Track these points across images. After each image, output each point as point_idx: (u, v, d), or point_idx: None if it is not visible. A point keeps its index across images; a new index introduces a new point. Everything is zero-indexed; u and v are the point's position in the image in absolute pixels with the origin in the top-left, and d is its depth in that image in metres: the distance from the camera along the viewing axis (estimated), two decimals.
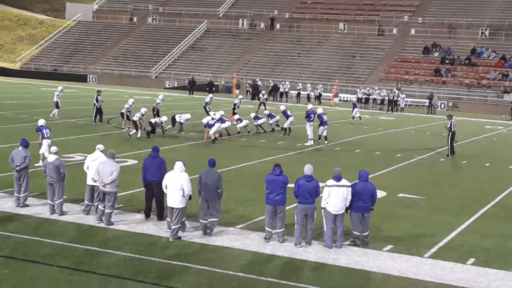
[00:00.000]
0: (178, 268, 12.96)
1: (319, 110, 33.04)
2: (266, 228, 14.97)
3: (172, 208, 14.76)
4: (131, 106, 32.86)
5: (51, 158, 16.19)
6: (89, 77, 74.77)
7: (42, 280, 11.97)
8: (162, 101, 36.95)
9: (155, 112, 34.85)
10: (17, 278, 11.97)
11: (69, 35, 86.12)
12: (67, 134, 30.13)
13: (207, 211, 15.19)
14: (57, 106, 36.40)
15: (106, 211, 15.58)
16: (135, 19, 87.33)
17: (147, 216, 16.26)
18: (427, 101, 58.04)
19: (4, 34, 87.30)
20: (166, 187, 14.95)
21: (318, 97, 59.94)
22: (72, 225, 15.46)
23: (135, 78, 74.48)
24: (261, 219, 16.25)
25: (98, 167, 15.64)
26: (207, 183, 15.04)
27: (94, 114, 35.19)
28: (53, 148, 16.42)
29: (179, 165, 14.97)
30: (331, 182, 14.77)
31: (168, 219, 15.24)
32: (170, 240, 14.65)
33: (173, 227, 14.76)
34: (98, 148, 16.56)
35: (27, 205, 16.76)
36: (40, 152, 21.67)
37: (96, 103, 35.15)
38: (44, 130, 22.14)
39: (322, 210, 14.78)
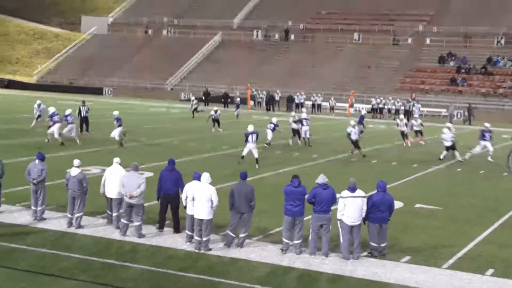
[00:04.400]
0: (195, 281, 12.94)
1: (303, 115, 34.66)
2: (284, 239, 14.95)
3: (201, 220, 14.72)
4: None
5: (74, 171, 16.25)
6: (105, 90, 75.20)
7: None
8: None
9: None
10: None
11: (84, 48, 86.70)
12: (83, 147, 30.24)
13: (238, 224, 15.20)
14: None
15: (136, 223, 15.64)
16: (150, 31, 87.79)
17: (161, 228, 16.28)
18: (466, 112, 57.13)
19: (21, 48, 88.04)
20: (193, 199, 14.85)
21: (332, 108, 60.10)
22: (90, 239, 15.49)
23: (151, 90, 74.81)
24: (277, 231, 16.24)
25: (123, 180, 15.67)
26: (240, 197, 15.03)
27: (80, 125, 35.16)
28: (76, 162, 16.48)
29: (206, 176, 14.97)
30: (346, 193, 14.73)
31: (187, 231, 15.25)
32: (202, 252, 14.66)
33: (204, 239, 14.75)
34: (115, 162, 16.61)
35: (44, 219, 16.83)
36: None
37: (81, 114, 35.38)
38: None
39: (338, 221, 14.73)
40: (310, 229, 14.84)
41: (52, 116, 30.43)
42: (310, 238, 14.83)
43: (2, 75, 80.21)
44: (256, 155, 26.76)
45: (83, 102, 37.07)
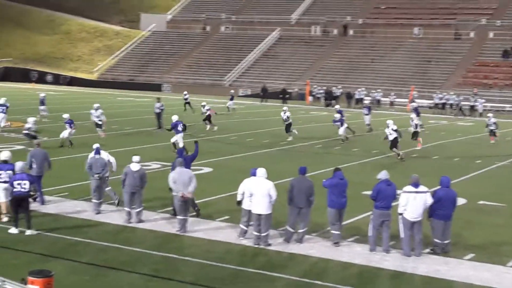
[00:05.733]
0: (254, 276, 12.92)
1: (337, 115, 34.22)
2: (334, 232, 15.00)
3: (260, 214, 14.68)
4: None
5: (135, 167, 16.40)
6: (164, 86, 75.96)
7: (121, 286, 12.12)
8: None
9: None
10: (97, 285, 12.17)
11: (144, 45, 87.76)
12: (144, 142, 30.57)
13: (296, 219, 15.12)
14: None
15: (185, 218, 15.76)
16: (208, 28, 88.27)
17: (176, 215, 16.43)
18: None
19: (82, 46, 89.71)
20: (250, 195, 14.78)
21: (392, 103, 59.43)
22: (150, 233, 15.64)
23: (209, 86, 75.23)
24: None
25: (173, 176, 15.73)
26: (300, 191, 14.96)
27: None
28: (136, 158, 16.65)
29: (263, 171, 14.94)
30: (409, 188, 14.47)
31: (242, 226, 15.23)
32: (261, 246, 14.65)
33: (263, 234, 14.72)
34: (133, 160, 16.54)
35: (101, 212, 17.11)
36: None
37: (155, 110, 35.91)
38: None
39: (400, 217, 14.48)
40: (371, 225, 14.65)
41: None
42: (370, 234, 14.65)
43: (64, 72, 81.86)
44: (181, 144, 26.63)
45: (158, 99, 37.36)
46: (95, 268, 12.98)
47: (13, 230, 15.09)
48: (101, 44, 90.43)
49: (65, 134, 28.05)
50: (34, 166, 17.74)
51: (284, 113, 34.11)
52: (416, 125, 31.97)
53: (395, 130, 28.34)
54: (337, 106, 39.57)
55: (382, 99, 60.94)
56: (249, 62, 78.21)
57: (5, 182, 15.79)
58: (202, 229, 15.97)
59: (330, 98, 61.65)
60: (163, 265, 13.34)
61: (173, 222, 16.06)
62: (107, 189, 17.97)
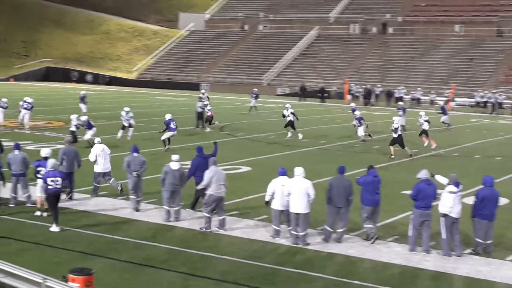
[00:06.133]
0: (293, 275, 12.86)
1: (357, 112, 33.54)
2: (368, 225, 14.96)
3: (298, 214, 14.60)
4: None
5: (175, 165, 16.48)
6: (202, 86, 76.24)
7: (160, 284, 12.17)
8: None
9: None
10: (137, 283, 12.24)
11: (182, 44, 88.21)
12: (185, 141, 30.66)
13: (335, 219, 15.04)
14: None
15: (220, 217, 15.78)
16: (246, 27, 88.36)
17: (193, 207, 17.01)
18: None
19: (121, 46, 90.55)
20: (288, 194, 14.63)
21: (432, 101, 58.72)
22: (188, 231, 15.68)
23: (247, 85, 75.25)
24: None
25: (212, 176, 15.68)
26: (339, 191, 14.89)
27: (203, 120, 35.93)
28: (176, 157, 16.71)
29: (300, 170, 14.86)
30: (453, 188, 14.25)
31: (274, 226, 15.18)
32: (299, 246, 14.59)
33: (301, 234, 14.66)
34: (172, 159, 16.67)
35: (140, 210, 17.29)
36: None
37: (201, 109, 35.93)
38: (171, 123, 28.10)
39: (443, 217, 14.25)
40: (411, 225, 14.49)
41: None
42: (410, 234, 14.49)
43: (103, 72, 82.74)
44: (163, 138, 28.20)
45: (200, 97, 37.43)
46: (135, 266, 13.06)
47: (54, 228, 15.28)
48: (140, 44, 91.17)
49: (88, 135, 28.00)
50: (64, 163, 18.01)
51: (287, 110, 33.95)
52: (425, 122, 31.55)
53: (396, 129, 28.04)
54: (357, 113, 35.10)
55: (422, 97, 60.31)
56: (287, 61, 78.07)
57: None
58: (240, 227, 15.97)
59: (368, 96, 61.19)
60: (201, 264, 13.36)
61: (212, 221, 16.03)
62: (110, 180, 18.71)
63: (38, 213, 16.61)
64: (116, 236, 15.02)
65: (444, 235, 14.24)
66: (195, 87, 75.17)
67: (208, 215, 15.66)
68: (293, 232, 14.75)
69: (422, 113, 31.92)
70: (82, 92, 40.71)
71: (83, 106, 39.52)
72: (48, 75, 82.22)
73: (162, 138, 28.48)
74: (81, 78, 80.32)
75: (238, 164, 24.63)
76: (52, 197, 15.42)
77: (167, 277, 12.50)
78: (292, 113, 33.65)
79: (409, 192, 15.22)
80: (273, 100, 61.62)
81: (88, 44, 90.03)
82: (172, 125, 28.74)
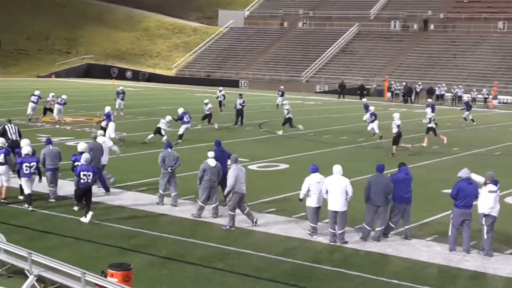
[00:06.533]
0: (330, 273, 12.79)
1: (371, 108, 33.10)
2: (392, 223, 14.96)
3: (336, 212, 14.53)
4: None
5: (213, 162, 16.52)
6: (241, 82, 76.35)
7: (198, 281, 12.21)
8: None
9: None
10: (175, 279, 12.28)
11: (221, 41, 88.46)
12: (221, 138, 30.66)
13: (374, 218, 14.95)
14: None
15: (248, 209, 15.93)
16: (285, 24, 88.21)
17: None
18: None
19: (161, 42, 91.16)
20: (326, 192, 14.61)
21: (474, 99, 57.81)
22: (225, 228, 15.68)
23: (286, 82, 75.11)
24: (413, 225, 15.76)
25: (237, 175, 15.60)
26: (377, 190, 14.79)
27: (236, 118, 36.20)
28: (212, 153, 16.76)
29: (338, 168, 14.79)
30: (492, 187, 14.02)
31: (311, 223, 15.11)
32: (337, 244, 14.52)
33: (339, 232, 14.60)
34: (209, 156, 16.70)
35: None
36: None
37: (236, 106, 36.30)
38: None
39: (485, 217, 14.02)
40: (451, 224, 14.29)
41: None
42: (450, 233, 14.29)
43: (143, 68, 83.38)
44: (181, 132, 29.08)
45: (240, 95, 37.71)
46: (173, 263, 13.11)
47: (84, 219, 15.64)
48: (179, 41, 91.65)
49: (109, 130, 27.43)
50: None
51: (287, 110, 33.74)
52: (430, 119, 30.97)
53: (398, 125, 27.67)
54: (371, 108, 34.01)
55: (464, 95, 59.46)
56: (326, 58, 77.74)
57: None
58: (278, 225, 15.93)
59: (409, 94, 60.56)
60: (238, 260, 13.35)
61: (247, 219, 16.03)
62: (103, 173, 18.99)
63: (76, 207, 16.68)
64: (154, 232, 15.09)
65: (485, 235, 14.01)
66: (234, 83, 75.36)
67: (232, 213, 15.69)
68: (331, 230, 14.66)
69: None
70: (120, 88, 41.18)
71: (119, 102, 39.91)
72: (89, 71, 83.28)
73: (179, 132, 29.04)
74: (121, 74, 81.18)
75: (276, 162, 24.58)
76: (82, 191, 15.79)
77: (205, 274, 12.52)
78: (288, 110, 33.60)
79: (449, 191, 15.01)
80: (312, 98, 61.37)
81: (128, 41, 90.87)
82: (185, 119, 29.35)
